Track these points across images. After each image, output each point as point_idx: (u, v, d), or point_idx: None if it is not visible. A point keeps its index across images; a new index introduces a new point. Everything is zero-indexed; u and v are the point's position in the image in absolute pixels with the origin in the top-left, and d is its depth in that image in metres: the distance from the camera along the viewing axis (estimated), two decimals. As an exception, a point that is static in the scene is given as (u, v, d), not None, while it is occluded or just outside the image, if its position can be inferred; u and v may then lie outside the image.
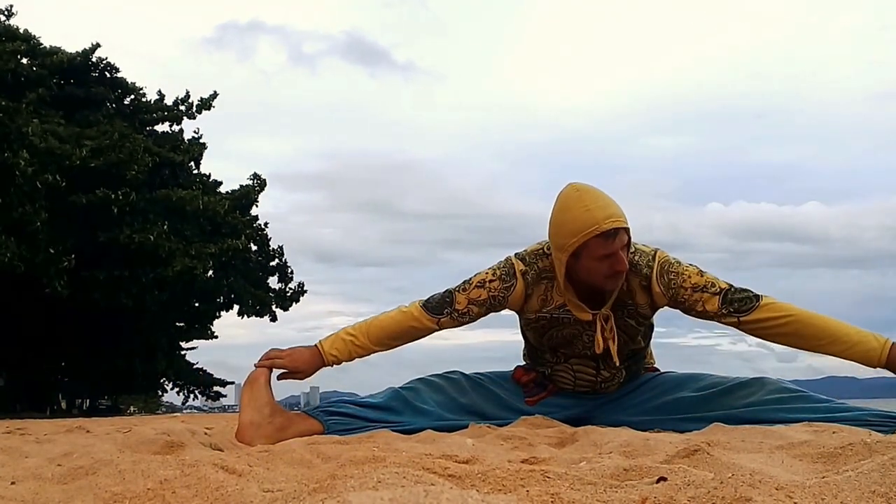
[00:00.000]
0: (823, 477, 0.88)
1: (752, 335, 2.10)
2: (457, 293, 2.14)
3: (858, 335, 1.98)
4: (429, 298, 2.15)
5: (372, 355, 2.17)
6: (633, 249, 2.08)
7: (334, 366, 2.13)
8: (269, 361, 2.11)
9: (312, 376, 2.15)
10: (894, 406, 2.21)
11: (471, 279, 2.16)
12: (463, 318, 2.14)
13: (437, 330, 2.15)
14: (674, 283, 2.06)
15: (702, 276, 2.07)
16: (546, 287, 2.13)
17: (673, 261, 2.10)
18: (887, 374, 1.98)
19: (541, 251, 2.14)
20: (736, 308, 2.02)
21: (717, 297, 2.04)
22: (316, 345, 2.12)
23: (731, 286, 2.06)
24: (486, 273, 2.15)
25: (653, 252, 2.11)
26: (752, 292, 2.04)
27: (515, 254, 2.18)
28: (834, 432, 1.65)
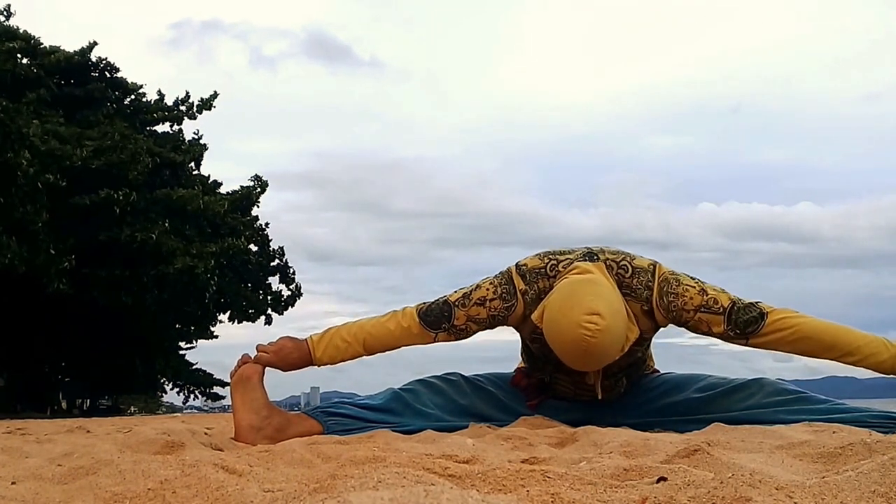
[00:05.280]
0: (823, 477, 0.88)
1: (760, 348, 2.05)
2: (456, 308, 2.06)
3: (868, 346, 1.94)
4: (427, 309, 2.08)
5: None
6: (629, 272, 1.99)
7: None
8: (255, 358, 2.07)
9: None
10: (894, 406, 2.21)
11: (470, 293, 2.07)
12: (460, 335, 2.09)
13: (433, 343, 2.10)
14: (674, 306, 1.98)
15: (704, 294, 1.98)
16: None
17: (672, 279, 1.99)
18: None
19: (542, 270, 2.03)
20: (742, 331, 1.96)
21: (722, 316, 1.96)
22: (306, 342, 2.07)
23: (734, 302, 1.97)
24: (487, 289, 2.06)
25: (651, 268, 2.01)
26: (757, 309, 1.96)
27: (517, 265, 2.08)
28: (834, 432, 1.65)
